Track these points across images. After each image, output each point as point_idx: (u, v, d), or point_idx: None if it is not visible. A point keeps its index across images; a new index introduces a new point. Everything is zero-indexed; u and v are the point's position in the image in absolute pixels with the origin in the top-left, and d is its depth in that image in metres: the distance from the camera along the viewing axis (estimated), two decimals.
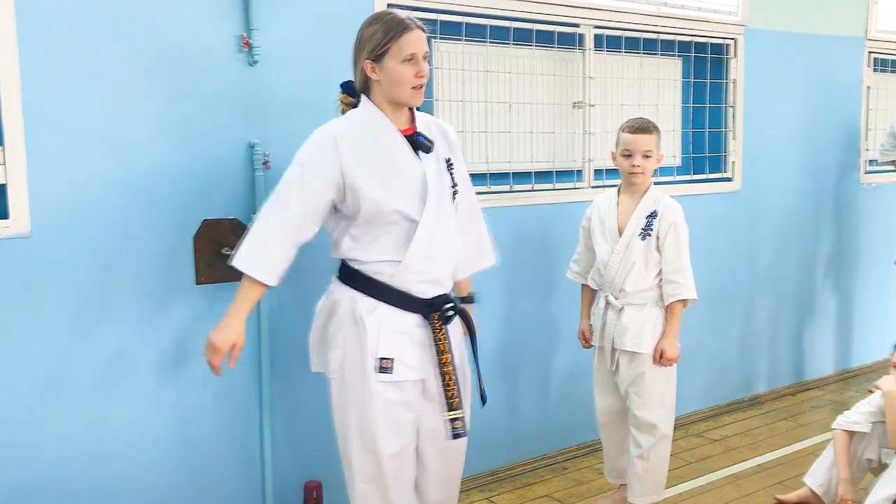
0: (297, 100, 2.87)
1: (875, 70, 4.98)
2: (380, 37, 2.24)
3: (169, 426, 2.75)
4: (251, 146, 2.80)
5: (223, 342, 2.27)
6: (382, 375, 2.27)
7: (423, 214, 2.28)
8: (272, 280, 2.27)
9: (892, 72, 5.10)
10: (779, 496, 3.30)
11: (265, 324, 2.87)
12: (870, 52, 4.90)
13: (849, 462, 3.15)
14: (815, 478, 3.25)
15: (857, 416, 3.19)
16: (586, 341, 3.18)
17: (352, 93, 2.38)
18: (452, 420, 2.33)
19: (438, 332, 2.31)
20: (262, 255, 2.24)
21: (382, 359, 2.27)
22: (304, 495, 2.98)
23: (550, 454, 3.75)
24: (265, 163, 2.80)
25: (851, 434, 3.18)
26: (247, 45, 2.76)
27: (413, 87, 2.27)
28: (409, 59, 2.24)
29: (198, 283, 2.75)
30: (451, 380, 2.32)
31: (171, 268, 2.72)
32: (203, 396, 2.80)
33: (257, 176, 2.79)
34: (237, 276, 2.79)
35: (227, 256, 2.76)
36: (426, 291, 2.32)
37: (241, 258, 2.25)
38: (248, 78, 2.79)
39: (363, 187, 2.24)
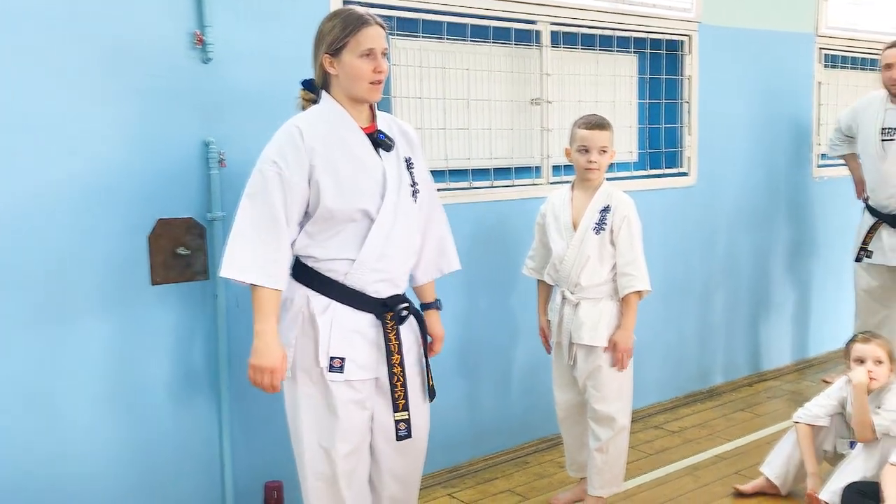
0: (253, 97, 2.86)
1: (825, 66, 5.08)
2: (338, 31, 2.24)
3: (125, 429, 2.72)
4: (206, 144, 2.77)
5: (273, 363, 2.22)
6: (333, 374, 2.26)
7: (380, 212, 2.28)
8: (284, 285, 2.24)
9: (842, 68, 5.20)
10: (737, 486, 3.36)
11: (223, 323, 2.85)
12: (820, 49, 5.00)
13: (815, 456, 3.21)
14: (772, 468, 3.32)
15: (818, 409, 3.25)
16: (546, 341, 3.20)
17: (312, 89, 2.37)
18: (398, 421, 2.34)
19: (390, 333, 2.31)
20: (265, 262, 2.19)
21: (333, 358, 2.26)
22: (265, 495, 2.97)
23: (512, 449, 3.77)
24: (220, 161, 2.78)
25: (814, 427, 3.24)
26: (200, 42, 2.73)
27: (371, 83, 2.27)
28: (367, 55, 2.24)
29: (153, 283, 2.73)
30: (398, 381, 2.33)
31: (126, 268, 2.69)
32: (160, 398, 2.78)
33: (212, 174, 2.77)
34: (193, 275, 2.79)
35: (183, 256, 2.75)
36: (381, 291, 2.32)
37: (244, 269, 2.19)
38: (202, 75, 2.77)
39: (326, 183, 2.23)
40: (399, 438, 2.36)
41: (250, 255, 2.19)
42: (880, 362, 3.10)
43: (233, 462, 2.93)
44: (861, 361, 3.12)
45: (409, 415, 2.35)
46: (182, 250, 2.75)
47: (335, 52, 2.25)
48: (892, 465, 2.80)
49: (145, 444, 2.76)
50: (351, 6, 2.36)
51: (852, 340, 3.23)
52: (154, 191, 2.71)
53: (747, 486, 3.34)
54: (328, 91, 2.32)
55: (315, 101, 2.35)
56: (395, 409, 2.34)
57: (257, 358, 2.22)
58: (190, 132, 2.76)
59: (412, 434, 2.37)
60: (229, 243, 2.21)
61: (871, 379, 3.08)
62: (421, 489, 3.39)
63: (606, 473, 3.05)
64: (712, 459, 3.72)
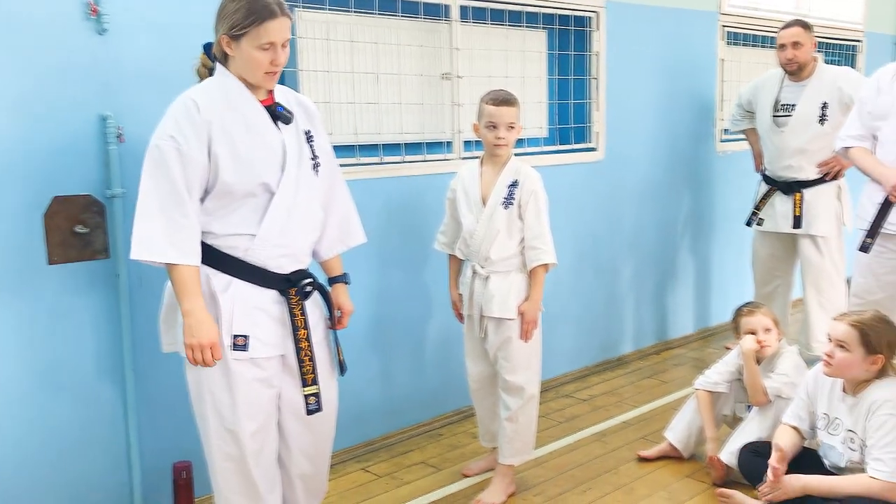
0: (151, 70, 2.78)
1: (728, 43, 5.24)
2: (240, 17, 2.17)
3: (24, 413, 2.63)
4: (103, 119, 2.69)
5: (210, 338, 2.16)
6: (237, 353, 2.24)
7: (280, 186, 2.25)
8: (199, 259, 2.18)
9: (743, 45, 5.37)
10: (640, 452, 3.48)
11: (125, 302, 2.79)
12: (723, 26, 5.15)
13: (714, 421, 3.35)
14: (674, 433, 3.45)
15: (717, 376, 3.40)
16: (459, 313, 3.24)
17: (211, 57, 2.31)
18: (307, 396, 2.34)
19: (295, 308, 2.30)
20: (177, 240, 2.13)
21: (237, 336, 2.23)
22: (174, 476, 2.92)
23: (426, 422, 3.82)
24: (119, 136, 2.70)
25: (713, 393, 3.38)
26: (94, 13, 2.64)
27: (266, 73, 2.23)
28: (267, 48, 2.19)
29: (51, 262, 2.64)
30: (306, 356, 2.32)
31: (22, 248, 2.59)
32: (61, 380, 2.70)
33: (111, 150, 2.69)
34: (93, 254, 2.71)
35: (82, 234, 2.67)
36: (283, 266, 2.30)
37: (158, 250, 2.13)
38: (98, 47, 2.67)
39: (224, 156, 2.18)
40: (309, 412, 2.36)
41: (160, 234, 2.13)
42: (768, 330, 3.26)
43: (139, 444, 2.88)
44: (752, 333, 3.27)
45: (318, 389, 2.36)
46: (80, 228, 2.67)
47: (234, 37, 2.19)
48: (783, 423, 2.96)
49: (47, 428, 2.68)
50: None
51: (738, 314, 3.39)
52: (49, 168, 2.61)
53: (650, 452, 3.46)
54: (224, 64, 2.27)
55: (212, 71, 2.29)
56: (304, 384, 2.34)
57: (193, 336, 2.16)
58: (86, 107, 2.66)
59: (322, 408, 2.38)
60: (136, 224, 2.14)
61: (762, 347, 3.24)
62: (334, 464, 3.41)
63: (517, 442, 3.12)
64: (620, 425, 3.85)
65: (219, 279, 2.24)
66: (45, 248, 2.62)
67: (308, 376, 2.33)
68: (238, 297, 2.25)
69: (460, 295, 3.20)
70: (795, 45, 4.26)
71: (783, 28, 4.35)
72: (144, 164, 2.17)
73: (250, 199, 2.23)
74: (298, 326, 2.31)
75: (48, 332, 2.65)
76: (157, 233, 2.13)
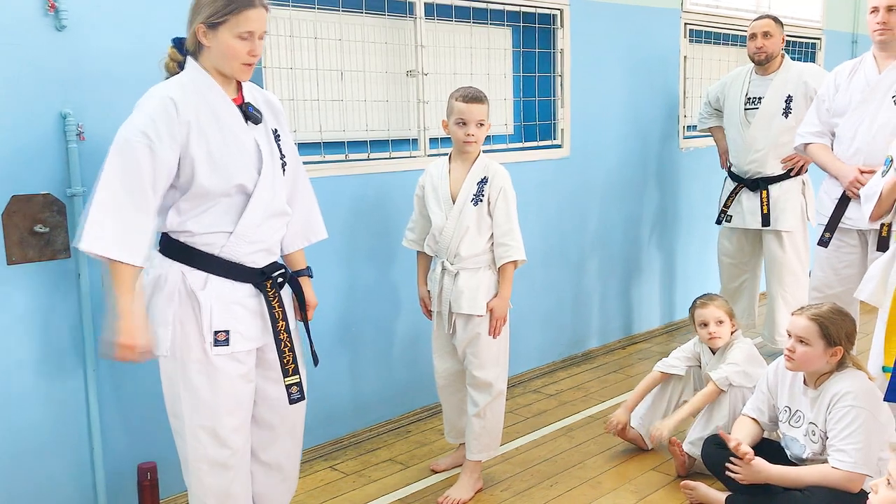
0: (112, 67, 2.73)
1: (691, 41, 5.30)
2: (220, 6, 2.17)
3: None
4: (63, 117, 2.64)
5: (141, 340, 2.14)
6: (219, 349, 2.24)
7: (258, 185, 2.26)
8: (144, 262, 2.16)
9: (706, 42, 5.44)
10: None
11: (87, 302, 2.74)
12: (686, 24, 5.20)
13: (642, 393, 3.47)
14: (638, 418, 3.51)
15: (675, 360, 3.49)
16: (428, 310, 3.24)
17: (182, 51, 2.28)
18: (289, 386, 2.37)
19: (273, 300, 2.33)
20: (127, 237, 2.10)
21: (217, 332, 2.24)
22: (138, 477, 2.88)
23: (394, 419, 3.82)
24: (79, 134, 2.66)
25: (667, 376, 3.45)
26: (53, 9, 2.59)
27: (244, 63, 2.23)
28: (245, 37, 2.19)
29: (9, 263, 2.59)
30: (286, 347, 2.35)
31: None
32: (23, 382, 2.65)
33: (70, 148, 2.65)
34: (53, 254, 2.67)
35: (42, 234, 2.63)
36: (258, 261, 2.32)
37: (105, 244, 2.09)
38: (56, 44, 2.62)
39: (201, 159, 2.17)
40: (292, 402, 2.39)
41: (111, 228, 2.10)
42: (721, 322, 3.32)
43: (103, 444, 2.84)
44: (704, 324, 3.33)
45: (300, 378, 2.40)
46: (40, 228, 2.62)
47: (212, 25, 2.18)
48: (742, 415, 3.01)
49: (8, 429, 2.63)
50: None
51: (693, 306, 3.45)
52: (7, 166, 2.56)
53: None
54: (196, 58, 2.25)
55: (181, 65, 2.27)
56: (286, 374, 2.37)
57: (124, 337, 2.14)
58: (45, 104, 2.62)
59: (305, 397, 2.41)
60: (91, 214, 2.10)
61: (712, 338, 3.32)
62: (302, 462, 3.38)
63: (484, 438, 3.13)
64: (586, 420, 3.88)
65: (195, 276, 2.23)
66: (4, 247, 2.57)
67: (289, 366, 2.37)
68: (216, 292, 2.25)
69: (429, 291, 3.20)
70: (766, 34, 4.32)
71: (755, 20, 4.41)
72: (110, 155, 2.12)
73: (225, 198, 2.24)
74: (277, 318, 2.33)
75: (8, 332, 2.60)
76: (109, 228, 2.09)
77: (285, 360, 2.36)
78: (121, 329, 2.14)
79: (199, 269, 2.25)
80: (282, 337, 2.34)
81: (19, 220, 2.59)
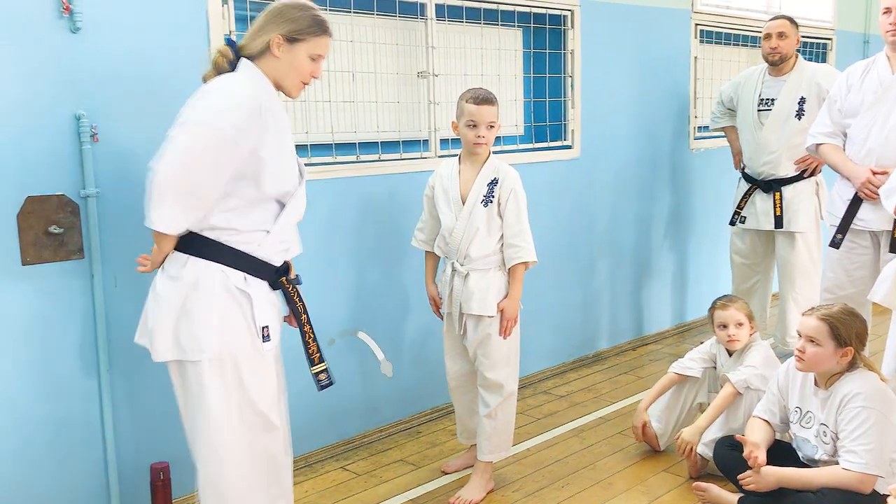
0: (126, 69, 2.75)
1: (701, 41, 5.29)
2: (305, 25, 2.28)
3: (0, 413, 2.61)
4: (77, 118, 2.66)
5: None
6: (266, 344, 2.30)
7: (298, 191, 2.36)
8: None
9: (716, 43, 5.43)
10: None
11: (100, 303, 2.76)
12: (696, 24, 5.19)
13: (657, 395, 3.46)
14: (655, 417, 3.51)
15: (690, 362, 3.47)
16: (437, 308, 3.24)
17: (234, 51, 2.32)
18: (317, 373, 2.45)
19: (293, 295, 2.41)
20: (191, 217, 2.18)
21: (263, 327, 2.30)
22: (151, 477, 2.90)
23: (405, 420, 3.82)
24: (93, 135, 2.67)
25: (683, 378, 3.44)
26: (67, 11, 2.61)
27: (303, 82, 2.35)
28: (315, 59, 2.32)
29: (24, 263, 2.61)
30: (310, 338, 2.44)
31: None
32: (36, 382, 2.67)
33: (84, 149, 2.66)
34: (67, 255, 2.69)
35: (56, 234, 2.65)
36: (279, 260, 2.38)
37: (167, 224, 2.16)
38: (71, 46, 2.64)
39: (269, 164, 2.23)
40: (322, 388, 2.46)
41: (180, 211, 2.15)
42: (740, 324, 3.31)
43: (116, 445, 2.86)
44: (724, 326, 3.32)
45: (326, 365, 2.47)
46: (55, 228, 2.64)
47: (291, 40, 2.27)
48: (754, 416, 3.00)
49: (22, 429, 2.65)
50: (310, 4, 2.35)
51: (713, 307, 3.43)
52: (22, 167, 2.58)
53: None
54: (254, 61, 2.30)
55: (230, 64, 2.29)
56: (311, 364, 2.45)
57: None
58: (60, 106, 2.63)
59: (334, 382, 2.49)
60: (161, 196, 2.11)
61: (731, 340, 3.30)
62: (313, 463, 3.42)
63: (495, 439, 3.13)
64: (597, 421, 3.87)
65: (236, 276, 2.26)
66: (19, 248, 2.59)
67: (315, 356, 2.44)
68: (255, 290, 2.29)
69: (438, 290, 3.21)
70: (781, 35, 4.30)
71: (770, 20, 4.40)
72: (192, 134, 2.11)
73: (271, 200, 2.31)
74: (300, 311, 2.42)
75: (22, 332, 2.62)
76: (178, 211, 2.15)
77: (310, 350, 2.44)
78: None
79: (235, 268, 2.26)
80: (305, 329, 2.44)
81: (34, 220, 2.61)
